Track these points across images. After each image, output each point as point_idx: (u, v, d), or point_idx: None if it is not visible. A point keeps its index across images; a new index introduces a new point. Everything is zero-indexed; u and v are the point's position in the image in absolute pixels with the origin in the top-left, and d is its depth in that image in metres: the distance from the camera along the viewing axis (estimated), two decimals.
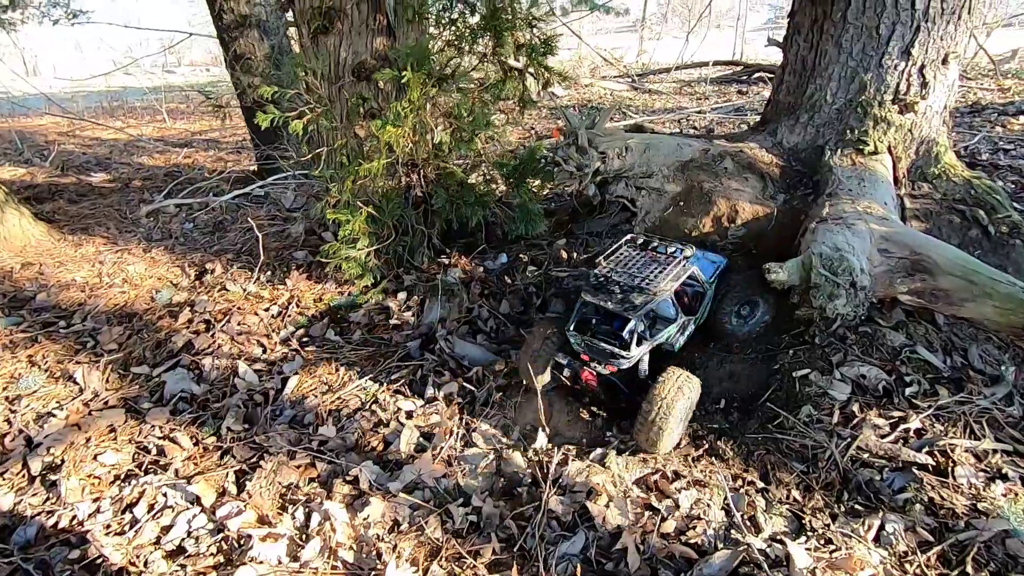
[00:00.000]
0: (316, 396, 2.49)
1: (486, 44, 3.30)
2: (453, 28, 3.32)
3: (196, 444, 2.28)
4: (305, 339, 2.93)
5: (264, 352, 2.84)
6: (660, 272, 2.20)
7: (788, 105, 3.51)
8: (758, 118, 8.97)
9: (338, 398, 2.47)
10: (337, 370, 2.66)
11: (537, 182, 3.30)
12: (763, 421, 2.19)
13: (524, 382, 2.40)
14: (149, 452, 2.24)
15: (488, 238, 3.69)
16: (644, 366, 2.22)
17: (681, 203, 3.06)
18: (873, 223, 2.46)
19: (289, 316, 3.10)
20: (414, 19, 3.18)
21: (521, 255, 3.53)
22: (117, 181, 6.46)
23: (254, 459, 2.17)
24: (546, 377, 2.34)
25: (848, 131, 3.19)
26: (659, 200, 3.14)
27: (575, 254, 3.40)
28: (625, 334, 2.11)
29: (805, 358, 2.39)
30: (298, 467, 2.11)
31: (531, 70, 3.28)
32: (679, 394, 2.02)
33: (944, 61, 3.09)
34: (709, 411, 2.29)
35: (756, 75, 12.34)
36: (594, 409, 2.41)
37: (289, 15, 5.22)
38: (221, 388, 2.58)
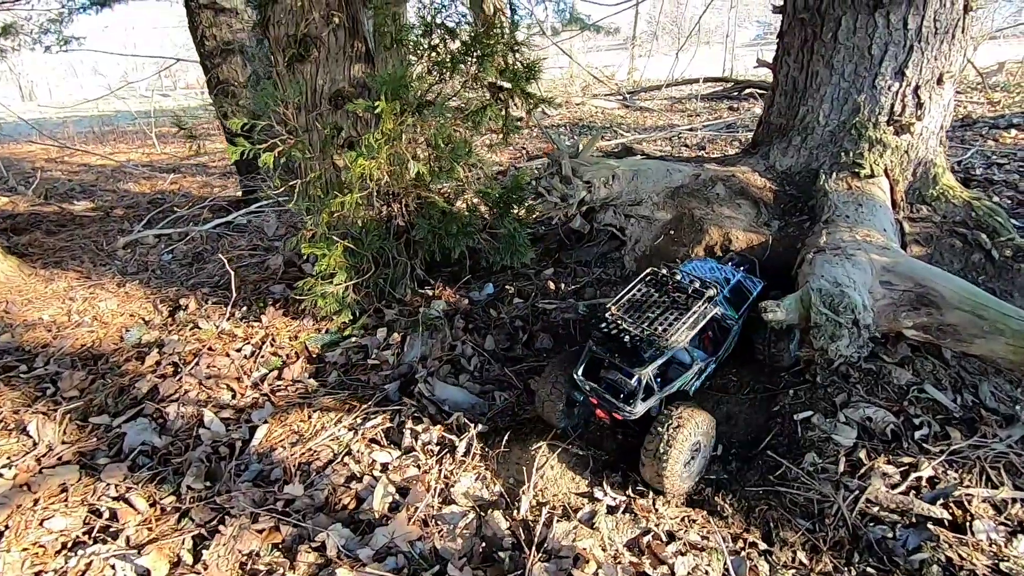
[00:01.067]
0: (285, 448, 2.32)
1: (467, 70, 3.20)
2: (433, 54, 3.22)
3: (153, 505, 2.11)
4: (278, 382, 2.77)
5: (234, 398, 2.68)
6: (677, 319, 2.05)
7: (780, 127, 3.41)
8: (749, 135, 8.91)
9: (309, 450, 2.30)
10: (309, 417, 2.49)
11: (522, 211, 3.17)
12: (764, 471, 2.03)
13: (506, 435, 2.25)
14: (101, 516, 2.06)
15: (473, 269, 3.55)
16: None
17: (672, 231, 2.94)
18: (874, 253, 2.33)
19: (262, 357, 2.94)
20: (392, 46, 3.09)
21: (508, 286, 3.39)
22: (99, 210, 6.32)
23: (214, 522, 2.00)
24: (561, 416, 2.23)
25: (843, 154, 3.09)
26: (649, 228, 3.01)
27: (563, 284, 3.26)
28: (633, 384, 1.98)
29: (806, 398, 2.25)
30: (261, 531, 1.94)
31: (515, 95, 3.17)
32: (679, 430, 1.89)
33: (939, 81, 3.00)
34: (708, 461, 2.13)
35: (746, 91, 12.37)
36: (594, 451, 2.25)
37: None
38: (184, 440, 2.41)
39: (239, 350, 3.00)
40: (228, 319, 3.30)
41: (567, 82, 16.30)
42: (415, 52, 3.07)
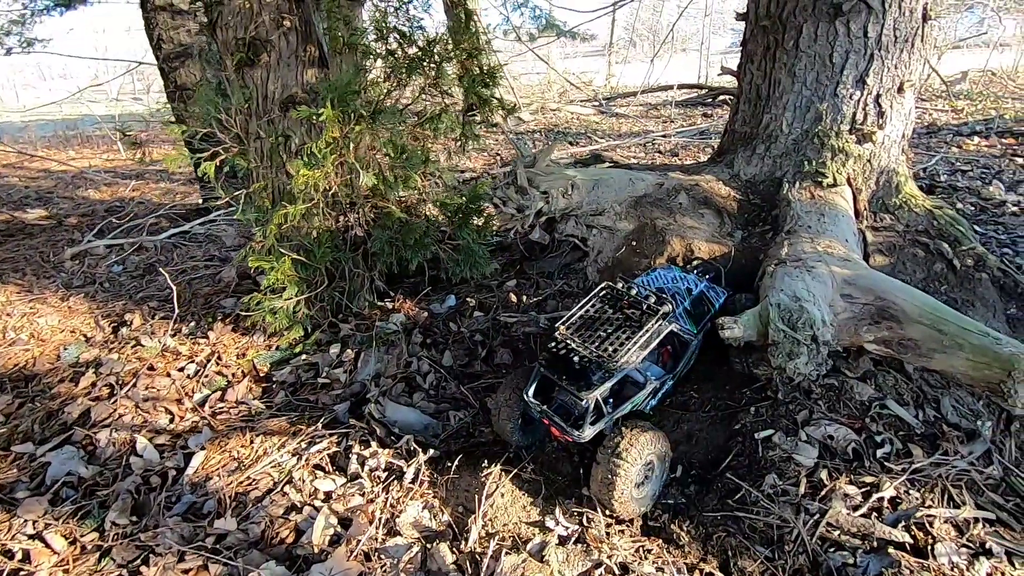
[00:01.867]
0: (222, 476, 2.17)
1: (425, 75, 3.09)
2: (390, 59, 3.11)
3: (72, 543, 1.95)
4: (220, 404, 2.62)
5: (171, 422, 2.52)
6: (629, 338, 1.96)
7: (744, 135, 3.37)
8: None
9: (247, 478, 2.16)
10: (251, 442, 2.35)
11: (481, 222, 3.07)
12: (723, 495, 1.95)
13: (456, 460, 2.14)
14: (12, 557, 1.90)
15: (435, 280, 3.44)
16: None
17: (634, 242, 2.86)
18: (835, 265, 2.27)
19: (206, 376, 2.79)
20: (344, 50, 2.97)
21: (469, 298, 3.29)
22: (53, 218, 6.05)
23: (137, 562, 1.85)
24: (517, 434, 2.17)
25: (806, 162, 3.05)
26: (612, 239, 2.94)
27: (525, 296, 3.16)
28: (582, 407, 1.90)
29: (767, 416, 2.17)
30: (187, 572, 1.80)
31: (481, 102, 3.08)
32: (628, 450, 1.82)
33: (900, 90, 2.98)
34: (664, 482, 2.04)
35: (720, 98, 12.49)
36: (548, 475, 2.15)
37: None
38: (114, 469, 2.25)
39: (182, 369, 2.84)
40: (174, 335, 3.13)
41: (544, 87, 16.29)
42: (369, 57, 2.96)
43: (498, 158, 8.32)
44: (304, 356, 2.89)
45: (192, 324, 3.23)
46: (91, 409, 2.57)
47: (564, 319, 2.08)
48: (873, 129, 2.98)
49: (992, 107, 9.91)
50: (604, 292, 2.20)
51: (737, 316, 1.97)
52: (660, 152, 8.39)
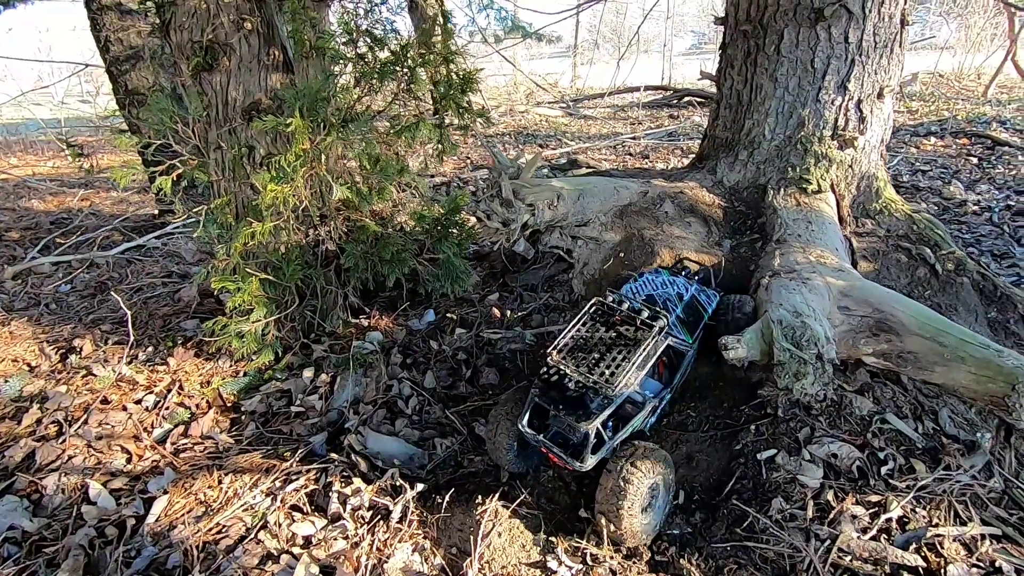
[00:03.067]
0: (188, 524, 1.98)
1: (399, 81, 2.93)
2: (361, 64, 2.94)
3: None
4: (184, 440, 2.40)
5: (129, 462, 2.30)
6: (625, 358, 1.87)
7: (726, 140, 3.32)
8: (690, 143, 8.98)
9: (217, 524, 1.97)
10: (220, 482, 2.15)
11: (464, 235, 2.92)
12: (730, 523, 1.86)
13: (447, 496, 2.00)
14: None
15: (412, 295, 3.28)
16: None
17: (621, 253, 2.77)
18: (829, 276, 2.23)
19: (167, 408, 2.57)
20: (311, 54, 2.78)
21: (449, 313, 3.14)
22: None
23: None
24: (513, 459, 2.06)
25: (790, 169, 3.02)
26: (598, 250, 2.84)
27: (509, 311, 3.04)
28: (580, 436, 1.81)
29: (769, 435, 2.10)
30: None
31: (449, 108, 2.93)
32: (632, 475, 1.74)
33: (879, 95, 2.98)
34: (669, 510, 1.95)
35: (685, 99, 12.63)
36: (548, 506, 2.03)
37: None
38: (63, 520, 2.02)
39: (139, 401, 2.61)
40: (129, 363, 2.88)
41: (511, 89, 16.20)
42: (339, 62, 2.78)
43: (468, 161, 8.17)
44: (275, 382, 2.70)
45: (150, 349, 2.99)
46: (36, 451, 2.32)
47: (555, 342, 1.97)
48: (855, 134, 2.97)
49: (944, 108, 10.28)
50: (595, 309, 2.09)
51: (739, 335, 1.89)
52: (631, 154, 8.38)
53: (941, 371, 1.94)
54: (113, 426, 2.45)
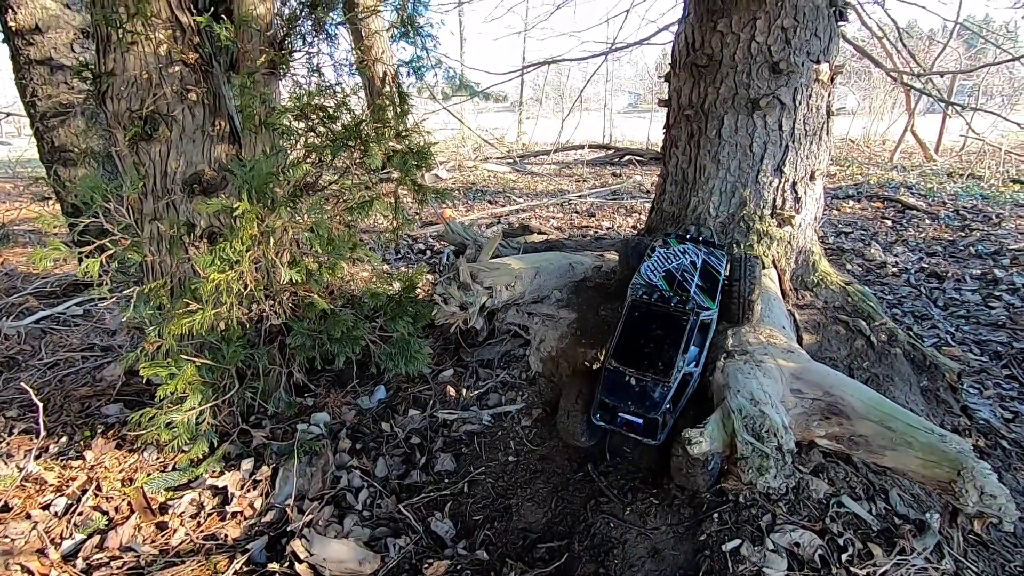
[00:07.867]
0: None
1: (351, 154, 2.89)
2: (311, 137, 2.88)
3: None
4: (99, 553, 2.13)
5: None
6: (672, 345, 2.19)
7: (673, 215, 3.44)
8: (633, 202, 9.30)
9: None
10: None
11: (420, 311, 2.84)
12: None
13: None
14: None
15: (362, 370, 3.14)
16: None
17: (578, 331, 2.76)
18: (780, 358, 2.29)
19: (81, 514, 2.28)
20: (260, 129, 2.71)
21: (401, 391, 3.02)
22: None
23: None
24: (584, 432, 2.38)
25: (735, 245, 3.15)
26: (555, 327, 2.82)
27: (465, 389, 2.95)
28: (656, 416, 2.13)
29: (731, 523, 2.09)
30: None
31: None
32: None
33: (812, 177, 3.19)
34: None
35: (626, 157, 13.22)
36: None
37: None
38: None
39: (47, 507, 2.31)
40: (38, 457, 2.57)
41: (458, 143, 16.52)
42: (290, 138, 2.71)
43: (417, 217, 8.15)
44: (208, 477, 2.47)
45: (64, 440, 2.68)
46: None
47: (610, 350, 2.27)
48: (792, 213, 3.15)
49: (858, 172, 11.23)
50: (634, 312, 2.35)
51: (702, 426, 1.89)
52: (577, 212, 8.62)
53: (891, 455, 1.99)
54: (13, 539, 2.15)
